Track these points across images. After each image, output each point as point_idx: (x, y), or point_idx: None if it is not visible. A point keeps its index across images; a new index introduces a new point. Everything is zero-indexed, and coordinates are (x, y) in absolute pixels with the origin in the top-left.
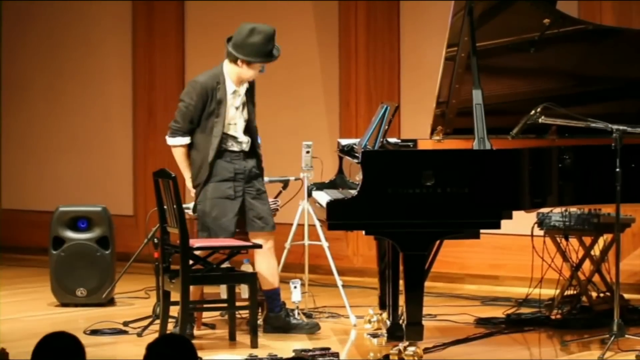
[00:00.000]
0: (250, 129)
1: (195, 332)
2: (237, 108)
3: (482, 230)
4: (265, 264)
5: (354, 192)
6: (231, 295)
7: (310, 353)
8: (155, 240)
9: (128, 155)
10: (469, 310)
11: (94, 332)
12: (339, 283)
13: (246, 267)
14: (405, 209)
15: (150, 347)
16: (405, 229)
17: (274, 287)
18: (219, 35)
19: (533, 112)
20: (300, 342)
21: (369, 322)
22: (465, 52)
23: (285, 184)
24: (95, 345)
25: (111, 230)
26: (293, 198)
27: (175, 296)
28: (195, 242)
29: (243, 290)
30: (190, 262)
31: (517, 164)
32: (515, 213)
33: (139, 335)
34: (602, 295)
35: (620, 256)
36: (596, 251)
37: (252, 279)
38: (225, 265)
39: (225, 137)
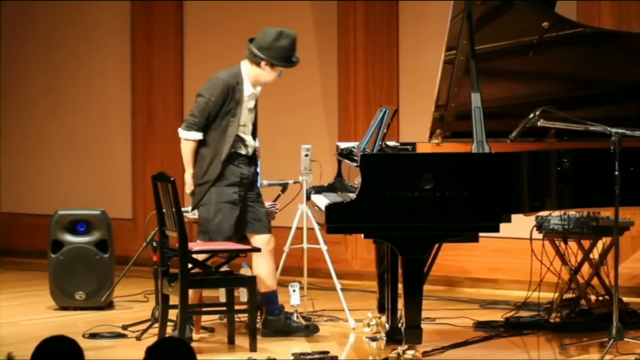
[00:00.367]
0: (254, 134)
1: (194, 335)
2: (249, 110)
3: (481, 234)
4: (265, 266)
5: (352, 195)
6: (230, 299)
7: (309, 356)
8: (154, 244)
9: (127, 159)
10: (467, 313)
11: (93, 336)
12: (338, 286)
13: (245, 271)
14: (404, 213)
15: (150, 351)
16: (404, 233)
17: (272, 289)
18: (217, 38)
19: (532, 115)
20: (299, 346)
21: (368, 325)
22: (464, 55)
23: (284, 187)
24: (94, 348)
25: (110, 234)
26: (292, 201)
27: (174, 299)
28: (194, 246)
29: (242, 294)
30: (189, 265)
31: (515, 167)
32: (514, 216)
33: (138, 338)
34: (601, 298)
35: (619, 259)
36: (595, 254)
37: (251, 282)
38: (224, 268)
39: (236, 139)
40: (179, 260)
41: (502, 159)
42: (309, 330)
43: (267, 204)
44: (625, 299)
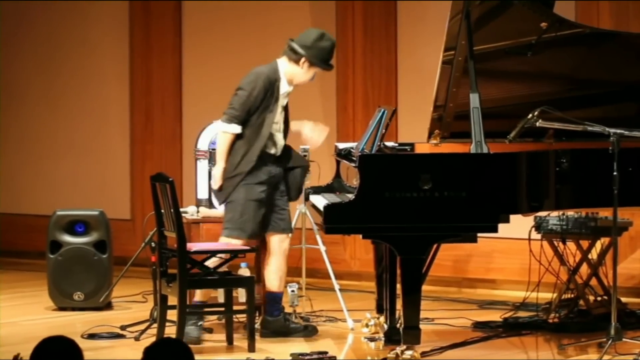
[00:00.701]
0: (286, 133)
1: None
2: (282, 109)
3: (479, 234)
4: (277, 265)
5: (351, 196)
6: (228, 299)
7: (308, 357)
8: (153, 244)
9: (125, 159)
10: (466, 314)
11: (92, 336)
12: (337, 287)
13: (243, 271)
14: (403, 213)
15: (148, 351)
16: (403, 233)
17: (280, 290)
18: (216, 39)
19: (530, 115)
20: (298, 346)
21: (367, 326)
22: (462, 55)
23: None
24: (92, 349)
25: (108, 234)
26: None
27: (172, 300)
28: (192, 246)
29: (240, 294)
30: (188, 266)
31: (514, 167)
32: (512, 217)
33: (137, 339)
34: (599, 298)
35: (618, 260)
36: (593, 255)
37: (249, 283)
38: (223, 269)
39: (268, 136)
40: (178, 261)
41: (501, 159)
42: (308, 330)
43: None
44: (623, 299)
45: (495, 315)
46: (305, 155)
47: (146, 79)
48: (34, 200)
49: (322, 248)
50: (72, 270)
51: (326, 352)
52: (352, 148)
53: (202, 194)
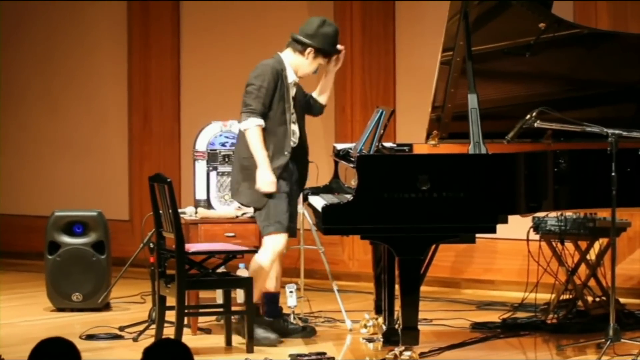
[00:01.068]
0: (301, 125)
1: (192, 336)
2: (292, 99)
3: (477, 235)
4: (277, 266)
5: (349, 196)
6: (227, 300)
7: (306, 358)
8: (151, 245)
9: (124, 160)
10: (464, 314)
11: (90, 337)
12: (335, 288)
13: (242, 272)
14: (401, 214)
15: (147, 352)
16: (401, 234)
17: (277, 290)
18: (214, 39)
19: (528, 116)
20: (296, 347)
21: (365, 326)
22: (460, 56)
23: None
24: (91, 350)
25: (107, 235)
26: None
27: (171, 301)
28: (190, 247)
29: (239, 295)
30: (186, 266)
31: (512, 168)
32: (510, 217)
33: (135, 340)
34: (598, 299)
35: (616, 260)
36: (592, 255)
37: (247, 283)
38: (221, 270)
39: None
40: (176, 262)
41: (499, 160)
42: (306, 331)
43: None
44: (622, 300)
45: (494, 316)
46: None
47: (144, 79)
48: (32, 200)
49: (321, 249)
50: (71, 271)
51: (324, 353)
52: (351, 149)
53: (201, 194)
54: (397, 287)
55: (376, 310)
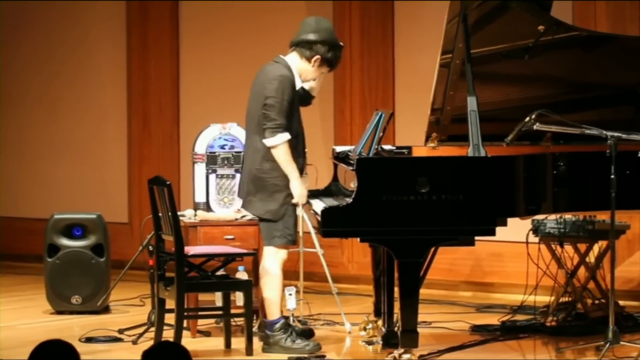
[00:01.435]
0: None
1: (191, 339)
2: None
3: (477, 237)
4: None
5: (348, 199)
6: (226, 303)
7: None
8: (150, 248)
9: (123, 163)
10: (464, 317)
11: (89, 340)
12: (334, 290)
13: (241, 275)
14: (400, 216)
15: (146, 355)
16: (400, 236)
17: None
18: (213, 41)
19: (528, 119)
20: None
21: (364, 329)
22: (459, 58)
23: None
24: (90, 352)
25: (106, 238)
26: None
27: (170, 303)
28: (190, 250)
29: (238, 298)
30: (185, 269)
31: (511, 170)
32: (510, 220)
33: (134, 342)
34: (597, 302)
35: (615, 263)
36: (591, 258)
37: (247, 286)
38: (221, 272)
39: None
40: (175, 264)
41: (498, 162)
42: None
43: None
44: (621, 303)
45: (493, 319)
46: None
47: (143, 81)
48: (31, 203)
49: (320, 251)
50: (70, 273)
51: (324, 356)
52: (350, 151)
53: (200, 197)
54: (396, 289)
55: (375, 312)
